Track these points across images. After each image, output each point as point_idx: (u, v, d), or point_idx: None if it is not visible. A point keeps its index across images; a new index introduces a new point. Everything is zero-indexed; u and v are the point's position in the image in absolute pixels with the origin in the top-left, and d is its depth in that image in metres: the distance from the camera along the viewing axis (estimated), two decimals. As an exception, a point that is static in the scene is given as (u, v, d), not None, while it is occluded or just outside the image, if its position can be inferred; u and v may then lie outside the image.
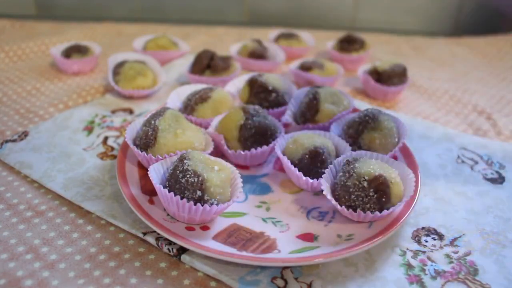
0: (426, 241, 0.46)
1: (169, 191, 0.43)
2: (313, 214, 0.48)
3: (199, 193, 0.42)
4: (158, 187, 0.43)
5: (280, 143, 0.53)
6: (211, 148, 0.52)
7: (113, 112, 0.69)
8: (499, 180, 0.57)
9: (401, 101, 0.78)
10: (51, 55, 0.89)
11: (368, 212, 0.44)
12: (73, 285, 0.39)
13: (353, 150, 0.53)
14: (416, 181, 0.49)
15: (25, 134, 0.61)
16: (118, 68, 0.73)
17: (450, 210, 0.51)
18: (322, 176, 0.48)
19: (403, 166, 0.49)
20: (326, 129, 0.59)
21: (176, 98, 0.64)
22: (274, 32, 1.02)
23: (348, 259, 0.43)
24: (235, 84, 0.69)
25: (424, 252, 0.45)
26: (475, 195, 0.54)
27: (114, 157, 0.57)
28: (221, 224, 0.46)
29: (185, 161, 0.44)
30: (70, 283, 0.40)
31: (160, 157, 0.49)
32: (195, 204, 0.42)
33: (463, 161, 0.60)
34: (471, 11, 1.22)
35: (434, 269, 0.43)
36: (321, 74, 0.78)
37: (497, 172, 0.58)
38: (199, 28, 1.15)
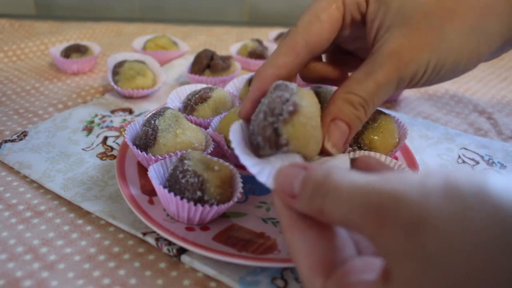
0: (427, 242, 0.46)
1: (169, 191, 0.43)
2: (313, 215, 0.48)
3: (199, 193, 0.42)
4: (158, 187, 0.43)
5: (280, 143, 0.53)
6: (211, 148, 0.52)
7: (113, 112, 0.69)
8: (500, 180, 0.56)
9: (401, 101, 0.78)
10: (50, 55, 0.89)
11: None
12: (73, 286, 0.39)
13: (353, 150, 0.53)
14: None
15: (24, 134, 0.61)
16: (117, 68, 0.73)
17: (451, 211, 0.51)
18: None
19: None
20: (327, 129, 0.58)
21: (176, 98, 0.64)
22: (274, 32, 1.02)
23: (349, 260, 0.43)
24: (235, 84, 0.69)
25: (425, 253, 0.44)
26: (476, 195, 0.53)
27: (114, 157, 0.57)
28: (221, 224, 0.45)
29: (185, 161, 0.44)
30: (70, 283, 0.39)
31: (160, 157, 0.49)
32: (195, 205, 0.42)
33: (464, 161, 0.60)
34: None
35: (435, 269, 0.42)
36: (321, 74, 0.78)
37: (498, 172, 0.58)
38: (199, 28, 1.15)
